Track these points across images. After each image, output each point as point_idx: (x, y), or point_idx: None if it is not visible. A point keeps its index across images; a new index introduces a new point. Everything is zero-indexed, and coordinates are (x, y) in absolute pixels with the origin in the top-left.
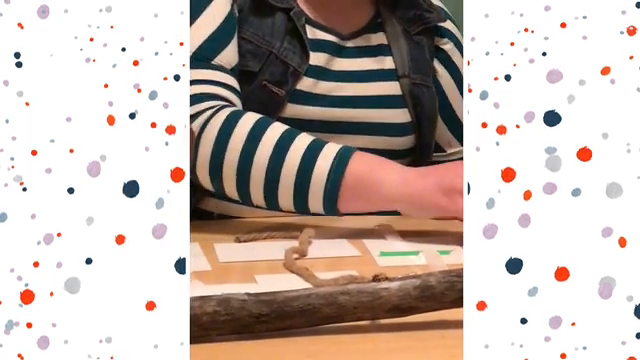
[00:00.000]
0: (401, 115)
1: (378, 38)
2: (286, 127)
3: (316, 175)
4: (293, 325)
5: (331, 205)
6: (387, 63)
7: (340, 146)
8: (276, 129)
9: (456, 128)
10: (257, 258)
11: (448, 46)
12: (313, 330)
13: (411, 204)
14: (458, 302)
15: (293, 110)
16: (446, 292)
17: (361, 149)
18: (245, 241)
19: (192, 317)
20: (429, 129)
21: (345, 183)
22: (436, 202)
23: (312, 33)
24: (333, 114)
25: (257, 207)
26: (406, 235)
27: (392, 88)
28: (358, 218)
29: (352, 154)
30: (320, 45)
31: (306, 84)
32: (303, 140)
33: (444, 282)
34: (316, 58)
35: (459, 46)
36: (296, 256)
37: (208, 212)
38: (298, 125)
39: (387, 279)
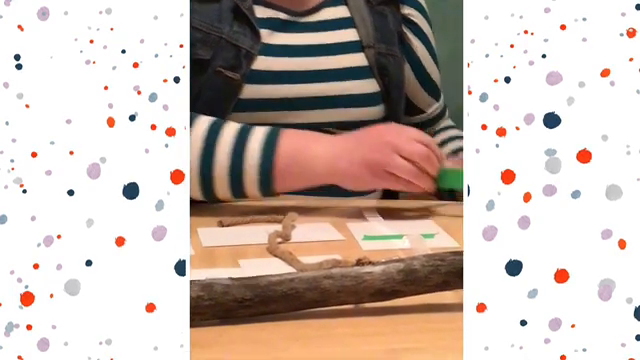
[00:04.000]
0: (369, 85)
1: (340, 11)
2: (211, 119)
3: (248, 162)
4: (277, 310)
5: (267, 189)
6: (351, 35)
7: (266, 129)
8: (202, 124)
9: (434, 90)
10: (240, 242)
11: (417, 19)
12: (297, 314)
13: (343, 180)
14: (442, 286)
15: (252, 91)
16: (430, 276)
17: (333, 123)
18: (228, 225)
19: None
20: (397, 97)
21: (277, 166)
22: (365, 180)
23: (262, 12)
24: (298, 90)
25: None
26: (390, 219)
27: (358, 59)
28: (342, 202)
29: (279, 135)
30: (272, 23)
31: (263, 63)
32: (230, 129)
33: (428, 266)
34: (269, 36)
35: (423, 12)
36: (280, 240)
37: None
38: (261, 105)
39: (371, 263)
